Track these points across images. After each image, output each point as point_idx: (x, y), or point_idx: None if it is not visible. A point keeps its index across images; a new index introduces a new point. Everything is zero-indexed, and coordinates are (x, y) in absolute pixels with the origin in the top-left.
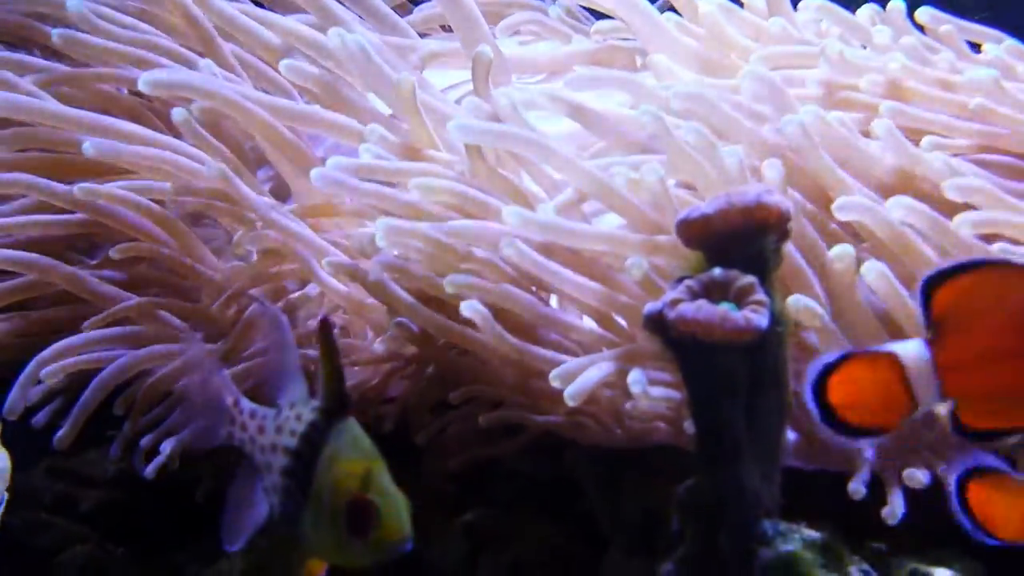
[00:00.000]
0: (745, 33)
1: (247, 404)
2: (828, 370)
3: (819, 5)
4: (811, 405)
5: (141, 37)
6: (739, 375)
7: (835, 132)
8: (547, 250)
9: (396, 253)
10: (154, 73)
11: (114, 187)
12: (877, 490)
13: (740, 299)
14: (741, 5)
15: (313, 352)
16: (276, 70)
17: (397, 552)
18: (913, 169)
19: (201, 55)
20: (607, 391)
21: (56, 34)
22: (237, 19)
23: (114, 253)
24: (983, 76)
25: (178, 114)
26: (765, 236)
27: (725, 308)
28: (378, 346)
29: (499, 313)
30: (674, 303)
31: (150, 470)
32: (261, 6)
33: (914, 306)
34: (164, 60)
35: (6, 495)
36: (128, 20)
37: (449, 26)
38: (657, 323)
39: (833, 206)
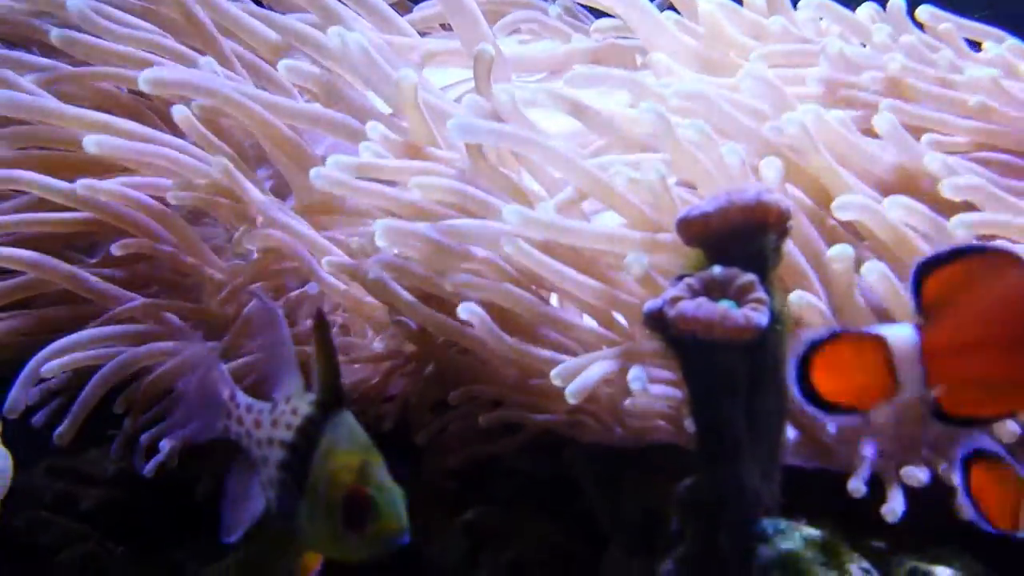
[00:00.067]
0: (745, 31)
1: (243, 398)
2: (815, 346)
3: (819, 3)
4: (793, 379)
5: (141, 35)
6: (739, 373)
7: (835, 131)
8: (547, 249)
9: (396, 252)
10: (154, 71)
11: (115, 184)
12: (877, 488)
13: (740, 297)
14: (741, 3)
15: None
16: (276, 68)
17: (394, 545)
18: (915, 166)
19: (201, 53)
20: (607, 389)
21: (55, 34)
22: (237, 17)
23: (116, 249)
24: (983, 74)
25: (178, 112)
26: (765, 234)
27: (725, 306)
28: (378, 344)
29: (499, 312)
30: (674, 301)
31: (149, 468)
32: (261, 5)
33: (909, 300)
34: (164, 59)
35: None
36: (128, 18)
37: (449, 25)
38: (657, 321)
39: (833, 205)
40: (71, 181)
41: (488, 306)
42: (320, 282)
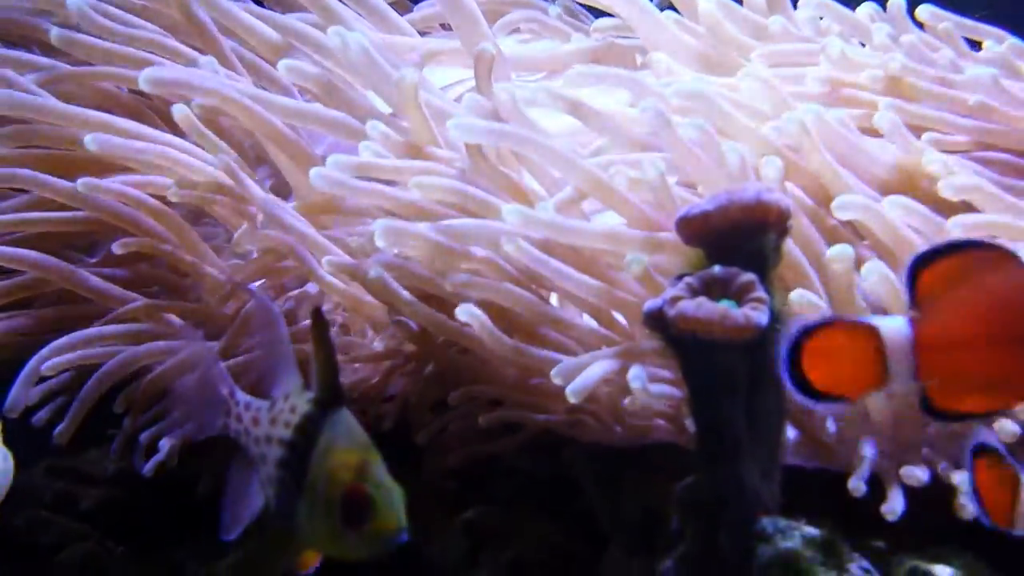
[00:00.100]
0: (745, 31)
1: (242, 396)
2: (807, 332)
3: (819, 2)
4: (783, 363)
5: (141, 34)
6: (739, 373)
7: (835, 130)
8: (547, 248)
9: (396, 252)
10: (154, 71)
11: (115, 183)
12: (877, 487)
13: (740, 296)
14: (741, 3)
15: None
16: (276, 68)
17: (392, 544)
18: (915, 166)
19: (201, 52)
20: (607, 388)
21: (55, 34)
22: (237, 16)
23: (117, 248)
24: (983, 73)
25: (179, 110)
26: (765, 234)
27: (725, 305)
28: (377, 344)
29: (499, 312)
30: (674, 300)
31: (148, 468)
32: (261, 4)
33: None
34: (165, 59)
35: None
36: (129, 18)
37: (449, 24)
38: (657, 320)
39: (832, 205)
40: (71, 180)
41: (488, 306)
42: (319, 282)
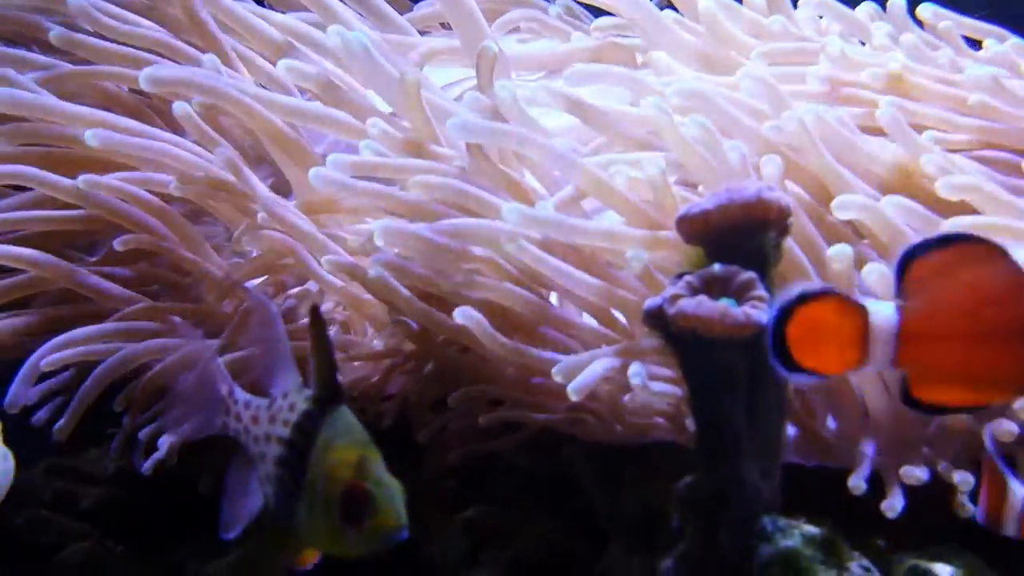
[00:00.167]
0: (745, 30)
1: (241, 394)
2: (802, 300)
3: (819, 1)
4: (769, 329)
5: (143, 33)
6: (739, 370)
7: (834, 129)
8: (547, 247)
9: (396, 252)
10: (154, 70)
11: (116, 180)
12: (877, 486)
13: (740, 295)
14: (741, 2)
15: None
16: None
17: (392, 541)
18: (915, 165)
19: (202, 50)
20: (607, 386)
21: (54, 34)
22: (238, 15)
23: (118, 245)
24: (983, 72)
25: (179, 108)
26: (765, 232)
27: (725, 304)
28: (377, 342)
29: (499, 311)
30: (674, 298)
31: (147, 466)
32: (262, 4)
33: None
34: (166, 57)
35: None
36: (130, 16)
37: (449, 24)
38: (657, 318)
39: (832, 204)
40: (72, 178)
41: (488, 305)
42: (319, 281)
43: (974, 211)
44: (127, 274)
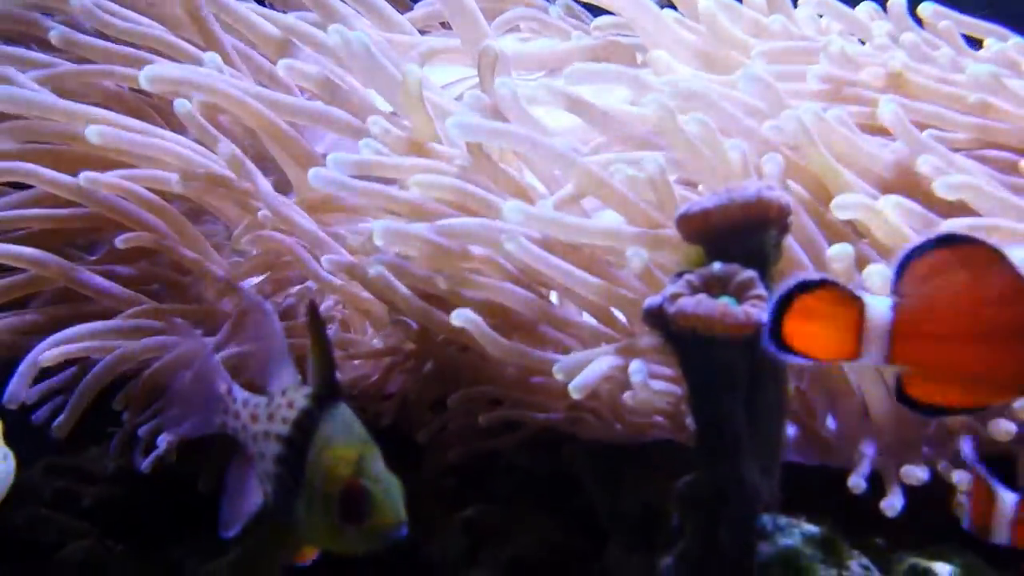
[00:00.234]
0: (745, 29)
1: (240, 392)
2: (801, 288)
3: (819, 0)
4: (768, 311)
5: (143, 30)
6: (739, 369)
7: (834, 129)
8: (547, 246)
9: (396, 252)
10: (155, 68)
11: (117, 178)
12: (877, 485)
13: (740, 293)
14: (740, 1)
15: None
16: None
17: (391, 538)
18: (915, 160)
19: (203, 49)
20: (607, 385)
21: (54, 33)
22: (240, 14)
23: (119, 243)
24: (984, 71)
25: (180, 105)
26: (765, 231)
27: (725, 302)
28: (377, 341)
29: (499, 311)
30: (674, 297)
31: (146, 464)
32: (263, 3)
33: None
34: (167, 56)
35: None
36: (131, 15)
37: (449, 23)
38: (657, 317)
39: (832, 204)
40: (73, 176)
41: (488, 304)
42: (318, 280)
43: (973, 210)
44: (127, 272)
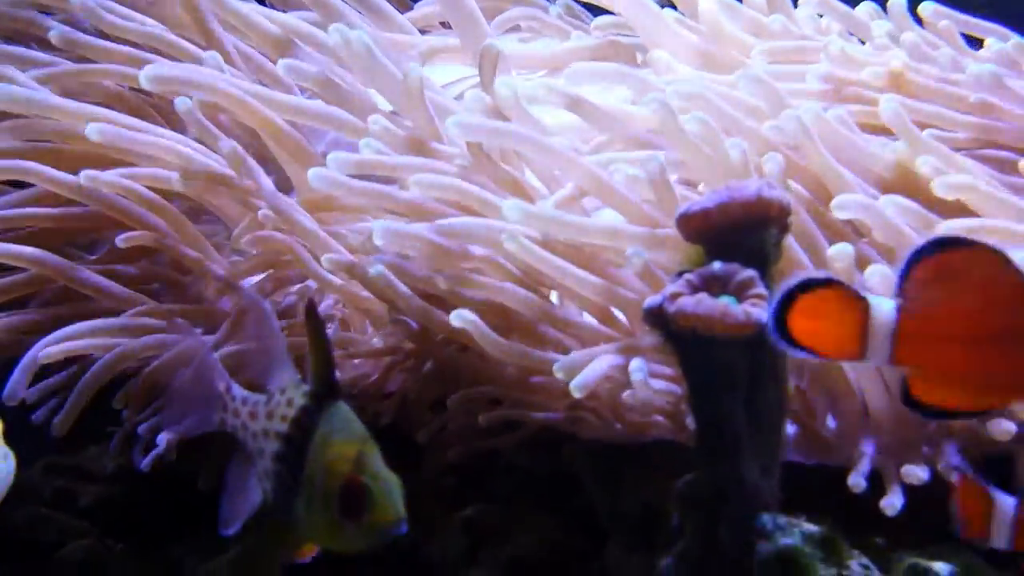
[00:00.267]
0: (745, 29)
1: (239, 391)
2: (808, 286)
3: (819, 0)
4: (773, 304)
5: (143, 29)
6: (739, 369)
7: (835, 128)
8: (547, 246)
9: (396, 252)
10: (155, 68)
11: (117, 176)
12: (877, 484)
13: (740, 293)
14: (741, 0)
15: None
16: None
17: (391, 535)
18: (915, 158)
19: (204, 48)
20: (607, 385)
21: (55, 32)
22: (241, 13)
23: (120, 242)
24: (984, 69)
25: (181, 103)
26: (765, 230)
27: (725, 302)
28: (377, 340)
29: (499, 310)
30: (674, 297)
31: (145, 463)
32: (263, 3)
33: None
34: (165, 56)
35: None
36: (132, 14)
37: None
38: (657, 317)
39: (831, 204)
40: (73, 174)
41: (488, 304)
42: (318, 279)
43: (972, 211)
44: (128, 272)
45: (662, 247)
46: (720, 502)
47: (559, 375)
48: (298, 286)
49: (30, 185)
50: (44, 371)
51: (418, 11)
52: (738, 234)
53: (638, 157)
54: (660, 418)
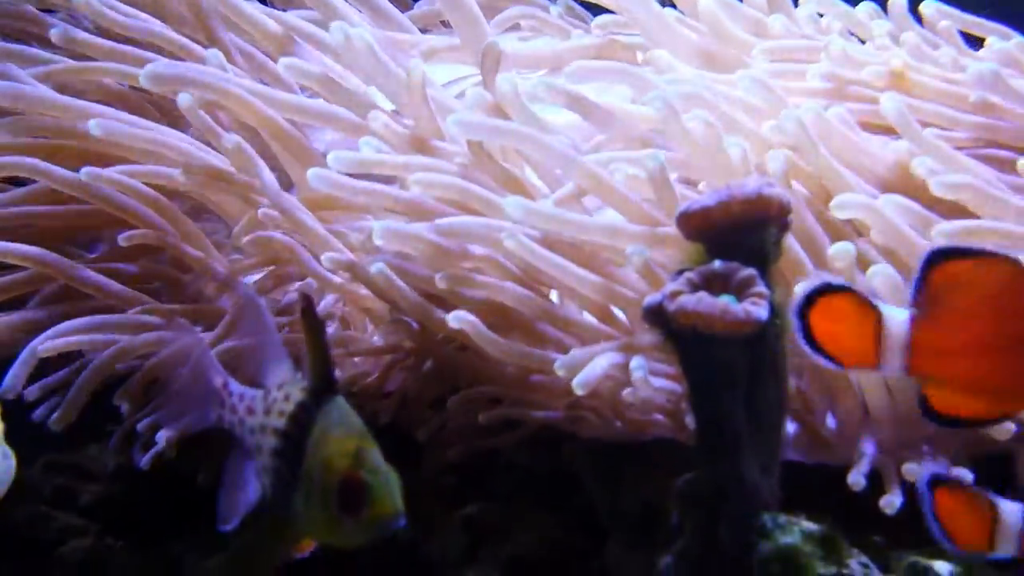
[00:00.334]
0: (745, 29)
1: (236, 386)
2: (826, 290)
3: None
4: (796, 307)
5: (145, 26)
6: (739, 367)
7: (834, 128)
8: (547, 245)
9: (396, 252)
10: (155, 67)
11: (118, 173)
12: (876, 483)
13: (740, 291)
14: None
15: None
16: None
17: (389, 529)
18: (916, 157)
19: (205, 46)
20: (608, 383)
21: (55, 31)
22: (243, 12)
23: (123, 241)
24: (985, 68)
25: (183, 99)
26: (765, 228)
27: (725, 300)
28: (377, 339)
29: (499, 309)
30: (674, 295)
31: (145, 461)
32: (264, 2)
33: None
34: (165, 55)
35: None
36: (133, 11)
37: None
38: (657, 315)
39: (831, 204)
40: (74, 171)
41: (488, 304)
42: (318, 278)
43: (972, 210)
44: (128, 270)
45: (662, 245)
46: (720, 501)
47: (560, 373)
48: (299, 284)
49: (29, 182)
50: (44, 370)
51: (418, 10)
52: (738, 232)
53: (638, 155)
54: (660, 416)
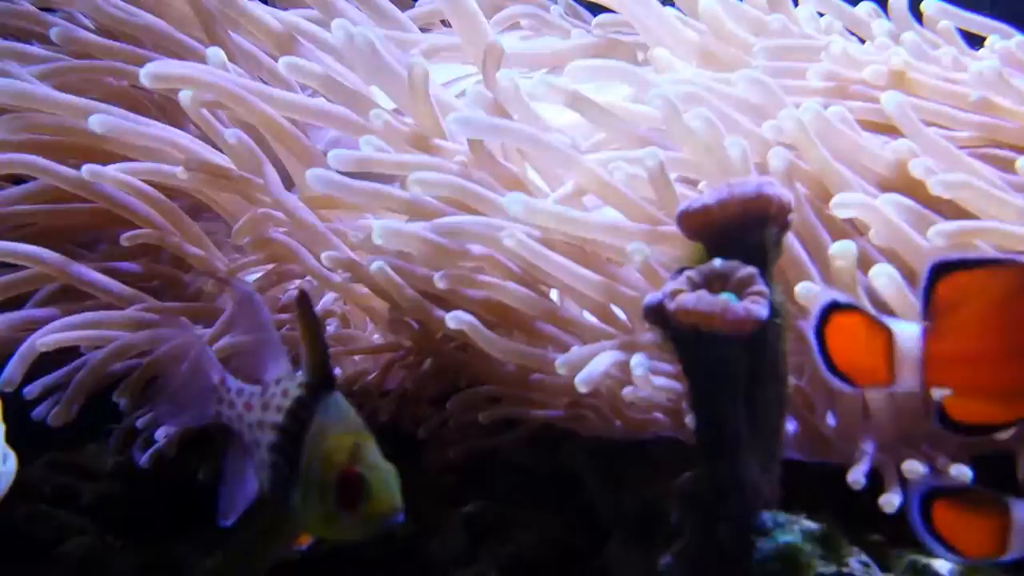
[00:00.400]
0: (746, 28)
1: (234, 382)
2: (836, 308)
3: None
4: (813, 326)
5: (146, 24)
6: (739, 366)
7: (835, 128)
8: (547, 244)
9: (395, 250)
10: (156, 65)
11: (119, 172)
12: (876, 481)
13: (740, 290)
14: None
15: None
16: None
17: (388, 525)
18: (916, 156)
19: (206, 45)
20: (608, 382)
21: (56, 31)
22: (245, 12)
23: (124, 241)
24: (987, 67)
25: (185, 97)
26: (766, 227)
27: (725, 299)
28: (377, 337)
29: (499, 308)
30: (674, 294)
31: (145, 459)
32: (265, 1)
33: (916, 303)
34: (167, 54)
35: None
36: (134, 9)
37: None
38: (657, 314)
39: (831, 203)
40: (75, 168)
41: (488, 302)
42: (318, 277)
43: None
44: (128, 269)
45: (663, 244)
46: (720, 500)
47: (561, 371)
48: (299, 281)
49: (27, 180)
50: (44, 369)
51: (419, 9)
52: (738, 231)
53: (638, 154)
54: (660, 415)
